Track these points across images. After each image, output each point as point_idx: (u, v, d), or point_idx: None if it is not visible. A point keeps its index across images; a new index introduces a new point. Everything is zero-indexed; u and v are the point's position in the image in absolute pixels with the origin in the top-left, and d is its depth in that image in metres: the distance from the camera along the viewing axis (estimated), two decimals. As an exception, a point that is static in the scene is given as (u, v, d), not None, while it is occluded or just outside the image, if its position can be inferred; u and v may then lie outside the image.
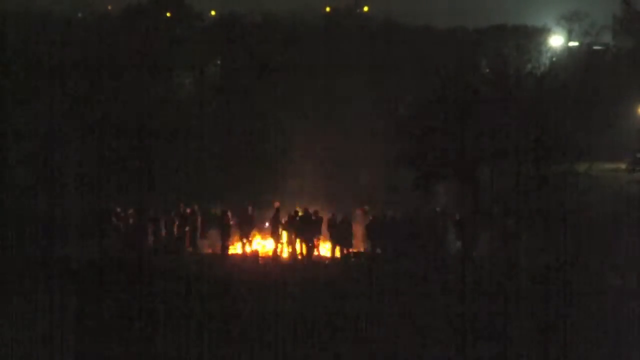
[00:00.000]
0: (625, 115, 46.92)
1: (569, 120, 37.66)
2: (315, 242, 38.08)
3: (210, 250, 38.60)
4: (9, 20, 44.78)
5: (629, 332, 30.93)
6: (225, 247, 38.46)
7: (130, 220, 38.58)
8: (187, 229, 38.50)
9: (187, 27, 52.65)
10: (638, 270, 33.61)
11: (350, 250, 37.97)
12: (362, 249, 38.11)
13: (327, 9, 59.06)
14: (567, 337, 30.86)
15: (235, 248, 39.07)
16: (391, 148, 40.59)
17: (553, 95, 38.61)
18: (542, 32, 55.26)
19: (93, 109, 41.64)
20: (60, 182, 38.47)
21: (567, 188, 35.63)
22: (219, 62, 50.08)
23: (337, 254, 38.05)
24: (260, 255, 38.60)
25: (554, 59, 51.41)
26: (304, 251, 37.97)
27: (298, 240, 38.18)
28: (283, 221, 38.40)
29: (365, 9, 62.31)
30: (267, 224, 39.43)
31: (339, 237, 37.90)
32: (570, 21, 58.25)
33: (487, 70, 45.70)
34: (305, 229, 38.00)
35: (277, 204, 38.71)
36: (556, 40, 56.32)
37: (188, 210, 38.58)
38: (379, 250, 37.40)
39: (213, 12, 57.62)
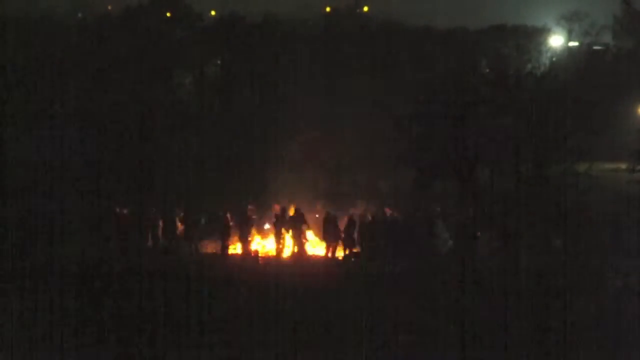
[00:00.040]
0: (625, 115, 46.94)
1: (569, 120, 37.61)
2: (303, 238, 38.25)
3: (210, 250, 38.64)
4: (9, 20, 44.78)
5: (629, 332, 30.93)
6: (225, 247, 38.49)
7: (130, 221, 38.61)
8: (186, 229, 38.55)
9: (187, 27, 52.61)
10: (638, 270, 33.60)
11: (353, 250, 38.07)
12: (362, 249, 38.17)
13: (327, 9, 59.14)
14: (567, 338, 30.86)
15: (235, 248, 39.11)
16: (391, 148, 40.59)
17: (553, 95, 38.55)
18: (542, 32, 55.27)
19: (93, 109, 41.63)
20: (60, 182, 38.44)
21: (567, 188, 35.57)
22: (219, 62, 50.07)
23: (338, 254, 38.16)
24: (260, 255, 38.65)
25: (554, 59, 51.47)
26: (295, 248, 38.28)
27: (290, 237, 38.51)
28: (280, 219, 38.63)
29: (365, 9, 62.41)
30: (267, 225, 39.47)
31: (345, 237, 38.07)
32: (570, 21, 58.41)
33: (487, 71, 45.70)
34: (295, 226, 38.31)
35: (279, 206, 38.88)
36: (556, 40, 56.38)
37: (188, 211, 38.63)
38: (378, 251, 37.43)
39: (213, 12, 57.64)
